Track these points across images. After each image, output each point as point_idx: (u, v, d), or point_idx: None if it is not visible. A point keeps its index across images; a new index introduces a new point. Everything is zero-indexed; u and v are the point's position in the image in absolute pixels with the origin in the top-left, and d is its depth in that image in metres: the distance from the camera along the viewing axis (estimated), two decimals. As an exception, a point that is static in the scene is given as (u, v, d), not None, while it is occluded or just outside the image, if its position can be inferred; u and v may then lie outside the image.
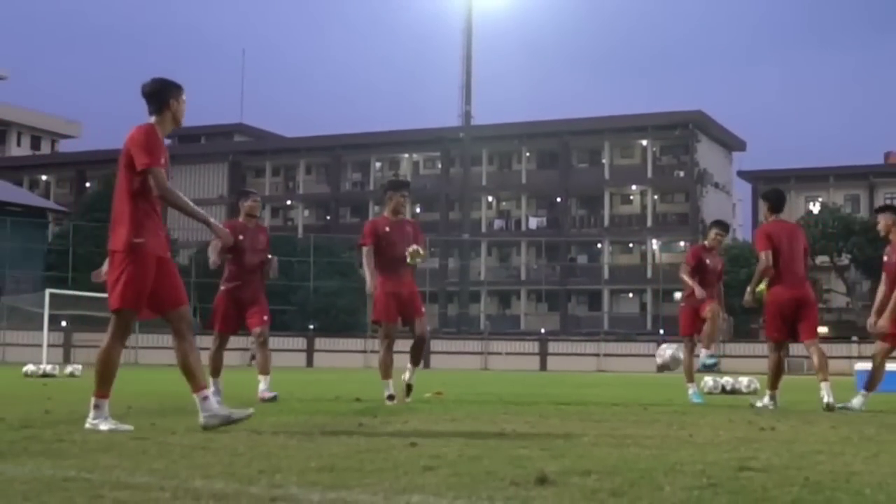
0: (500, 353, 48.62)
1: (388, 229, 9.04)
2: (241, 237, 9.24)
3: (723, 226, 10.69)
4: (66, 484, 3.30)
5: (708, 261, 10.42)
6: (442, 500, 3.07)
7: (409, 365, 9.25)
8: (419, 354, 9.30)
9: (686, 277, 10.28)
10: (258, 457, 4.19)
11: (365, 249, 9.02)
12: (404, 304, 9.02)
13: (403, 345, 9.21)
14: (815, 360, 8.88)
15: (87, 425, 5.58)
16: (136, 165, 5.58)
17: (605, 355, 47.65)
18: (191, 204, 5.84)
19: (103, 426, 5.51)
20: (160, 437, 5.07)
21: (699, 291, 10.10)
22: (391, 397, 8.85)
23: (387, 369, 9.01)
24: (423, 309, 9.27)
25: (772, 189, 9.68)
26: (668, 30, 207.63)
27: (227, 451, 4.39)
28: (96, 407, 5.63)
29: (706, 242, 10.64)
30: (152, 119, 5.79)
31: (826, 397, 8.51)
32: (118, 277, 5.62)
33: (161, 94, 5.80)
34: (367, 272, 8.98)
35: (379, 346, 9.18)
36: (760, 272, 8.93)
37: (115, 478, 3.47)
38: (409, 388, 9.22)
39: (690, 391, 10.41)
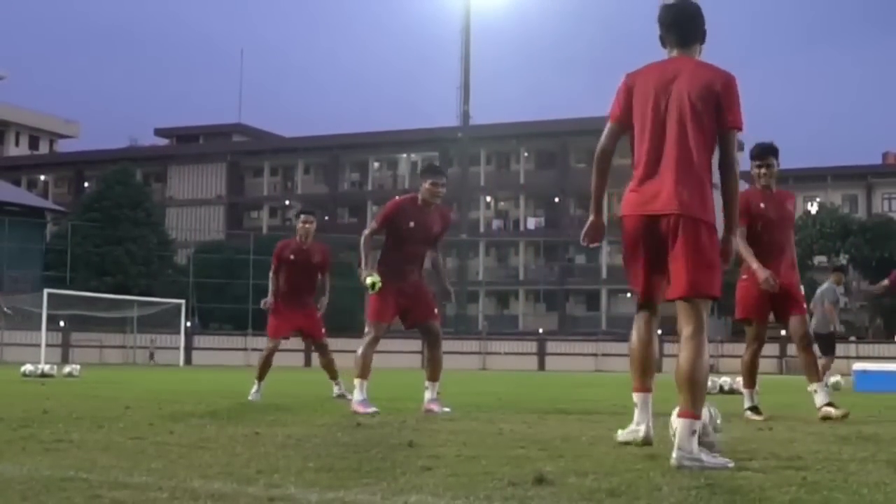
0: (498, 353, 48.65)
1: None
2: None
3: None
4: (65, 484, 3.30)
5: None
6: (440, 501, 3.07)
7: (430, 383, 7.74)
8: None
9: None
10: (256, 457, 4.19)
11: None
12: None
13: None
14: None
15: (675, 462, 3.90)
16: (730, 121, 4.22)
17: (604, 355, 47.60)
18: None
19: (705, 457, 3.94)
20: (158, 437, 5.07)
21: None
22: (374, 412, 7.23)
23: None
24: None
25: None
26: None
27: (225, 451, 4.39)
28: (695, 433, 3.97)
29: None
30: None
31: None
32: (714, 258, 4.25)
33: (702, 22, 4.40)
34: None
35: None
36: None
37: (113, 477, 3.47)
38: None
39: None
